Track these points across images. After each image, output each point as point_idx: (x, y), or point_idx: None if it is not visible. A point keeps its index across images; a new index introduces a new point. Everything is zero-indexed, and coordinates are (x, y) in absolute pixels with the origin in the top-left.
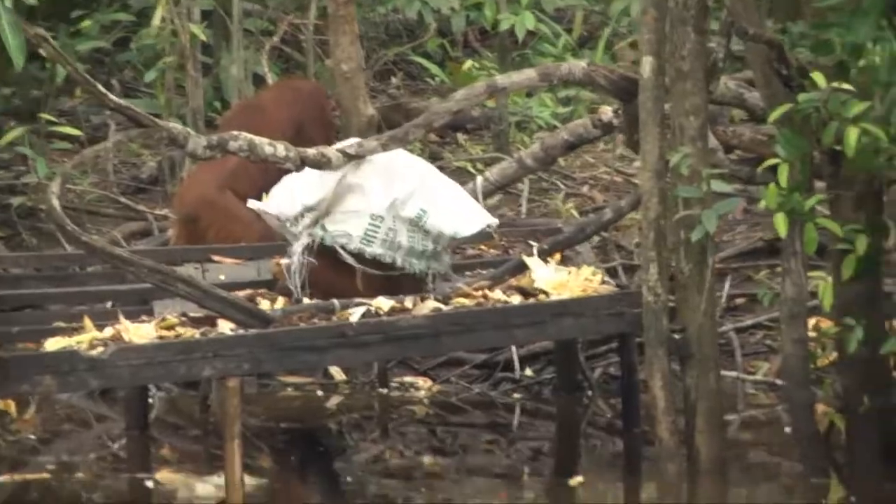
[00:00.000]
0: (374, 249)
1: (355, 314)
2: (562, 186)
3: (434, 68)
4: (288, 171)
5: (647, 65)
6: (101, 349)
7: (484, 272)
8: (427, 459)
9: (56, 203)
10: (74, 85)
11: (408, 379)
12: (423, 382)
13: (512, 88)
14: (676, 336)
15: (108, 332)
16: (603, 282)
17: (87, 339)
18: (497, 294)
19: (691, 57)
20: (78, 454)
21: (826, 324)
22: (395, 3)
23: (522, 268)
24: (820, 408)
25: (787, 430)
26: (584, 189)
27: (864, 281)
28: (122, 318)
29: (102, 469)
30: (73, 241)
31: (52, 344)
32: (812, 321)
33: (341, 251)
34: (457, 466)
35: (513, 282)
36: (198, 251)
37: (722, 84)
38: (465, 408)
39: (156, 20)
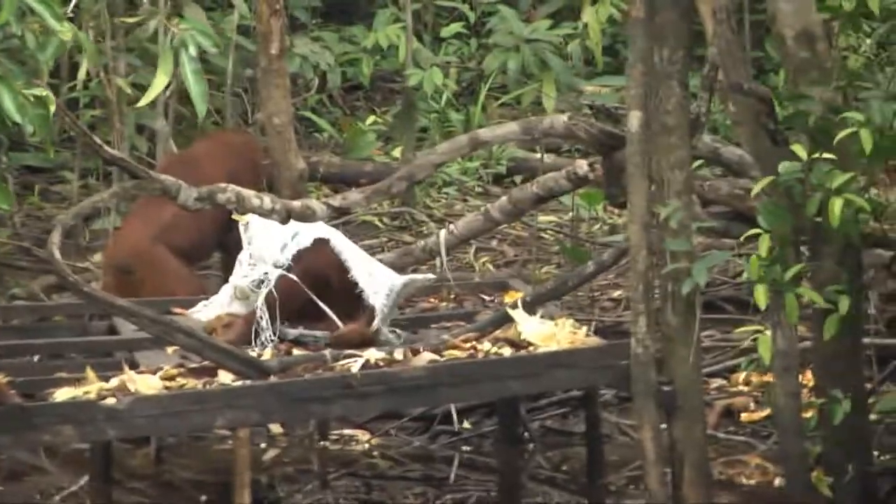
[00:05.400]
0: None
1: (356, 365)
2: (471, 241)
3: (324, 124)
4: (226, 227)
5: (634, 118)
6: (113, 399)
7: (449, 325)
8: None
9: (57, 253)
10: None
11: (347, 432)
12: (361, 435)
13: (495, 141)
14: (664, 388)
15: (114, 382)
16: (587, 334)
17: (94, 388)
18: (486, 346)
19: (676, 111)
20: None
21: (757, 377)
22: None
23: (506, 319)
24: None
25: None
26: (494, 243)
27: (845, 341)
28: (126, 369)
29: None
30: (76, 291)
31: (62, 394)
32: (741, 375)
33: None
34: None
35: (499, 333)
36: (157, 304)
37: None
38: (402, 461)
39: (81, 73)
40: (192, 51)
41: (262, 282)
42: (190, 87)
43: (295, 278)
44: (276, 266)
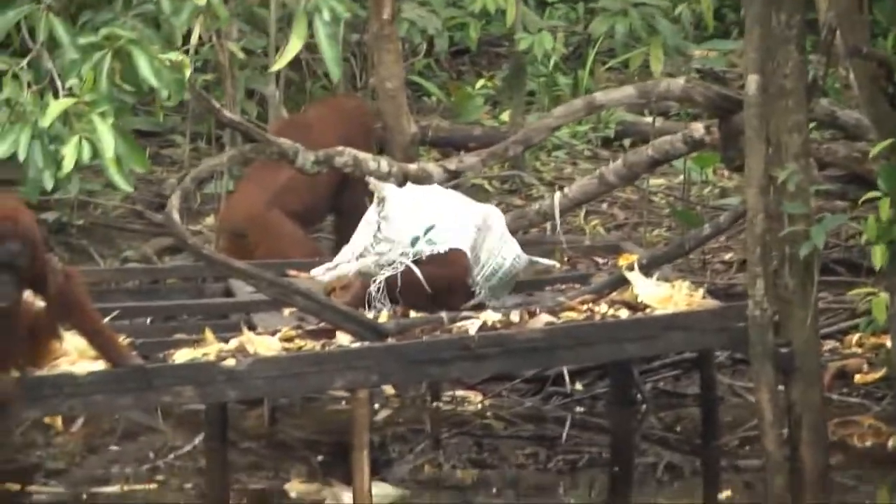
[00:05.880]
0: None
1: (473, 327)
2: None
3: (432, 88)
4: (339, 190)
5: (752, 82)
6: (233, 361)
7: (563, 287)
8: (461, 472)
9: (177, 217)
10: None
11: (459, 393)
12: (474, 396)
13: (610, 105)
14: (781, 350)
15: (233, 343)
16: (703, 297)
17: (213, 350)
18: (603, 308)
19: (793, 75)
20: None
21: (871, 339)
22: None
23: (622, 282)
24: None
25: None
26: (604, 206)
27: None
28: (245, 331)
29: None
30: (195, 254)
31: (182, 356)
32: (855, 337)
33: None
34: (491, 477)
35: (615, 296)
36: (273, 266)
37: None
38: (515, 421)
39: (194, 37)
40: (326, 15)
41: (390, 265)
42: (324, 51)
43: (420, 275)
44: (402, 255)
